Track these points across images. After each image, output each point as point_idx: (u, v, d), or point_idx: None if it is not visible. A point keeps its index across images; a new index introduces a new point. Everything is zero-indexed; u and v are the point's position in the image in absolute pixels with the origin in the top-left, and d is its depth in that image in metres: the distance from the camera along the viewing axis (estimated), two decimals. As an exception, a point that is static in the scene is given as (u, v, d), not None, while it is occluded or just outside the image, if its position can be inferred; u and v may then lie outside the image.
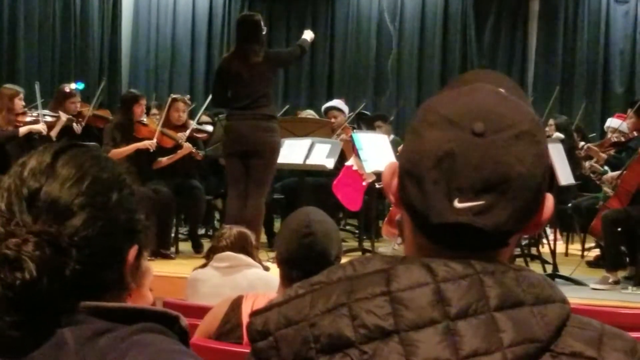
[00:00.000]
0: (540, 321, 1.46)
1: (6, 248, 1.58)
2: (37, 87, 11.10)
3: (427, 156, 1.49)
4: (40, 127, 10.47)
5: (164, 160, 10.57)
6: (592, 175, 11.09)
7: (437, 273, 1.47)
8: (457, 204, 1.47)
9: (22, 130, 10.34)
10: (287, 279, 3.71)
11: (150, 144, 10.24)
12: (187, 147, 10.65)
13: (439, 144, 1.49)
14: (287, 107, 14.76)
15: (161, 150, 10.64)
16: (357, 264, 1.54)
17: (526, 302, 1.47)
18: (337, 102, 13.30)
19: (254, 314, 1.59)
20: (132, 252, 1.72)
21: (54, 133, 10.64)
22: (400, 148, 8.78)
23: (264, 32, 9.53)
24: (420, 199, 1.49)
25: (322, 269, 1.59)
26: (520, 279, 1.49)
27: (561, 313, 1.49)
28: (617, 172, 9.84)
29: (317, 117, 13.39)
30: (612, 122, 12.45)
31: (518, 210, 1.49)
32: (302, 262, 3.61)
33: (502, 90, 1.62)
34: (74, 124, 11.06)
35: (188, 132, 10.87)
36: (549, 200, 1.58)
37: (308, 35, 10.06)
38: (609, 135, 11.93)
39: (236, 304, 3.90)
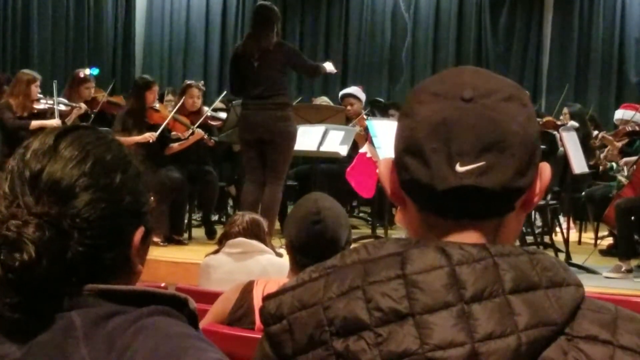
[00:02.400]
0: (554, 304, 1.46)
1: (6, 230, 1.58)
2: (54, 85, 11.08)
3: (422, 128, 1.52)
4: (54, 122, 10.43)
5: (176, 145, 10.58)
6: (612, 168, 11.07)
7: (452, 256, 1.48)
8: (459, 168, 1.48)
9: (34, 124, 10.31)
10: (297, 265, 3.72)
11: (150, 136, 10.20)
12: (199, 133, 10.67)
13: (431, 115, 1.52)
14: (301, 97, 14.73)
15: (174, 137, 10.65)
16: (371, 248, 1.55)
17: (540, 285, 1.47)
18: (354, 90, 13.16)
19: (267, 297, 1.60)
20: (138, 234, 1.71)
21: (68, 121, 10.64)
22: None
23: (279, 23, 9.53)
24: (422, 170, 1.50)
25: (333, 254, 1.60)
26: (534, 262, 1.50)
27: (575, 296, 1.50)
28: (634, 158, 9.83)
29: (331, 104, 13.38)
30: (619, 114, 12.42)
31: (518, 167, 1.50)
32: (313, 249, 3.61)
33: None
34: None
35: (201, 119, 10.90)
36: (546, 168, 1.61)
37: (329, 66, 10.03)
38: (622, 125, 11.90)
39: (247, 289, 3.89)
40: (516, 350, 1.42)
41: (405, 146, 1.54)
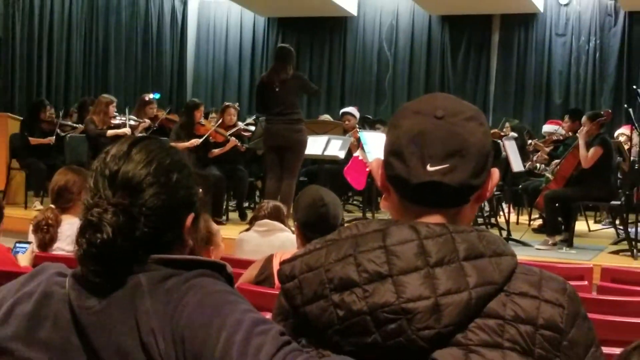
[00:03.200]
0: (496, 269, 1.50)
1: (91, 215, 1.60)
2: (127, 110, 11.14)
3: (404, 136, 1.55)
4: (126, 130, 10.55)
5: (216, 151, 10.62)
6: (537, 168, 11.07)
7: (421, 232, 1.51)
8: (429, 168, 1.52)
9: (110, 132, 10.43)
10: (305, 239, 3.72)
11: (195, 141, 10.30)
12: (233, 141, 10.73)
13: (412, 127, 1.55)
14: (310, 112, 14.73)
15: (215, 144, 10.70)
16: (361, 226, 1.58)
17: (486, 254, 1.51)
18: (351, 109, 13.21)
19: (283, 262, 1.63)
20: (189, 218, 1.72)
21: (136, 133, 10.72)
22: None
23: (294, 60, 9.54)
24: (402, 168, 1.54)
25: (333, 229, 1.63)
26: (481, 238, 1.54)
27: (512, 263, 1.53)
28: (557, 161, 9.84)
29: (331, 119, 13.41)
30: (546, 128, 12.43)
31: (474, 170, 1.54)
32: (319, 226, 3.61)
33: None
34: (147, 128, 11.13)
35: (233, 130, 10.99)
36: (495, 173, 1.65)
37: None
38: (549, 136, 11.91)
39: (269, 259, 3.91)
40: (467, 303, 1.45)
41: (391, 149, 1.57)
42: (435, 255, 1.48)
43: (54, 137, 11.28)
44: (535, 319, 1.48)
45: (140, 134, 10.65)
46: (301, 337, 1.55)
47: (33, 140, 11.20)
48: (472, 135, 1.55)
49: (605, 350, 2.28)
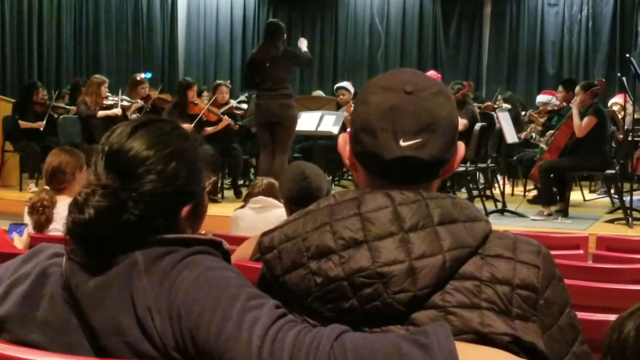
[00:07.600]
0: (470, 233, 1.53)
1: (78, 194, 1.61)
2: (120, 91, 11.12)
3: (375, 112, 1.57)
4: (117, 111, 10.56)
5: (209, 129, 10.63)
6: (532, 137, 11.09)
7: (395, 198, 1.55)
8: (402, 143, 1.54)
9: (100, 113, 10.44)
10: (292, 212, 3.73)
11: (187, 127, 10.30)
12: (226, 120, 10.74)
13: (382, 103, 1.57)
14: (303, 88, 14.72)
15: (208, 122, 10.71)
16: (337, 195, 1.62)
17: (460, 219, 1.55)
18: (345, 84, 13.20)
19: (263, 234, 1.66)
20: (186, 209, 1.71)
21: (129, 113, 10.75)
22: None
23: (284, 35, 9.50)
24: (375, 144, 1.56)
25: None
26: (455, 204, 1.57)
27: (485, 228, 1.57)
28: (552, 131, 9.86)
29: (324, 95, 13.40)
30: (540, 98, 12.44)
31: (445, 144, 1.57)
32: (303, 199, 3.63)
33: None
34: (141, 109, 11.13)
35: (225, 108, 11.04)
36: (462, 146, 1.67)
37: (303, 44, 9.95)
38: (542, 106, 11.91)
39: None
40: (442, 266, 1.49)
41: (362, 126, 1.59)
42: (409, 221, 1.52)
43: (44, 122, 11.28)
44: (511, 279, 1.51)
45: (133, 115, 10.69)
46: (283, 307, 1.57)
47: (23, 124, 11.20)
48: (442, 110, 1.58)
49: (601, 317, 2.31)
